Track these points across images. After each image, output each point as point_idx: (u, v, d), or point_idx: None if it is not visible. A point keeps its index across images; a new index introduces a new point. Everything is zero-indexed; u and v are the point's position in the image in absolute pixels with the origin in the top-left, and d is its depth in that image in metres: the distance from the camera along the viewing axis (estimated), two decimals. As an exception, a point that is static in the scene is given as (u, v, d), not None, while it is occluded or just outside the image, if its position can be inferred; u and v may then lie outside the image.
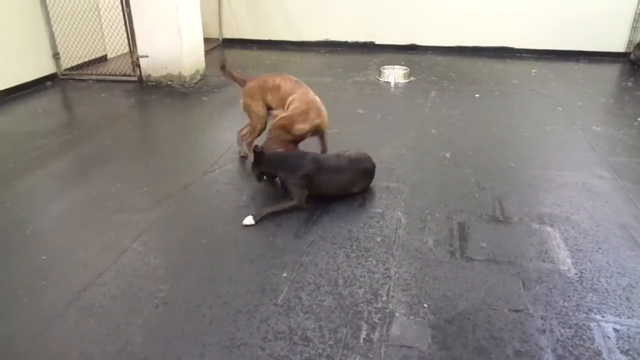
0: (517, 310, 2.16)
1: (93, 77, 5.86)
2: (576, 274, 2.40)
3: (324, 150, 3.52)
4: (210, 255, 2.55)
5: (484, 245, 2.62)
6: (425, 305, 2.19)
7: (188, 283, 2.33)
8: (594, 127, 4.29)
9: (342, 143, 3.93)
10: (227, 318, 2.11)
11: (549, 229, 2.77)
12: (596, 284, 2.32)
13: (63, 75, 5.82)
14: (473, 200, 3.08)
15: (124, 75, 5.79)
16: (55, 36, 5.63)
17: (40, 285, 2.33)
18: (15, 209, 3.02)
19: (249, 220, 2.81)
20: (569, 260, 2.49)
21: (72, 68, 5.94)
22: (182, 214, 2.95)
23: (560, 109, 4.82)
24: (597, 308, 2.17)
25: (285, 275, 2.38)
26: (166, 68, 5.55)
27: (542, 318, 2.11)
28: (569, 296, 2.25)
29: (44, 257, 2.53)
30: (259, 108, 3.51)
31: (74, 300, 2.21)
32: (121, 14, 5.46)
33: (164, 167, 3.60)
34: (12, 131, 4.25)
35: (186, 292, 2.26)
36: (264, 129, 3.55)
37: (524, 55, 7.09)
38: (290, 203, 2.93)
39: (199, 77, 5.81)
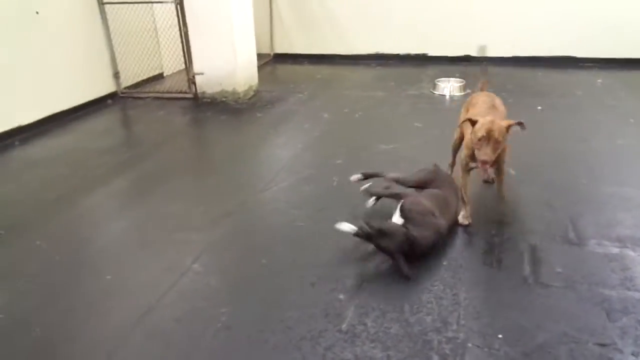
0: (603, 345, 1.98)
1: (151, 94, 6.02)
2: (667, 304, 2.19)
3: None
4: (270, 277, 2.50)
5: (559, 270, 2.44)
6: (500, 336, 2.04)
7: (249, 306, 2.28)
8: (671, 141, 4.00)
9: (400, 159, 3.83)
10: (290, 345, 2.04)
11: (631, 253, 2.56)
12: (692, 317, 2.11)
13: (123, 93, 6.01)
14: (544, 221, 2.90)
15: (180, 92, 5.91)
16: (116, 55, 5.83)
17: (105, 307, 2.34)
18: (79, 228, 3.09)
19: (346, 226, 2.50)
20: (657, 289, 2.28)
21: (131, 86, 6.13)
22: (240, 233, 2.93)
23: (632, 120, 4.52)
24: (695, 345, 1.96)
25: (348, 300, 2.29)
26: (220, 84, 5.62)
27: (633, 354, 1.92)
28: (661, 330, 2.05)
29: (108, 277, 2.56)
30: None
31: (138, 323, 2.21)
32: (177, 32, 5.60)
33: (220, 185, 3.61)
34: (75, 149, 4.39)
35: (248, 316, 2.22)
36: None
37: (587, 64, 6.75)
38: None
39: (252, 93, 5.86)
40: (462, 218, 2.89)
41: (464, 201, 2.91)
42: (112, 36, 5.73)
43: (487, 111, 2.94)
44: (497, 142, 2.61)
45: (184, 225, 3.04)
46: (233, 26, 5.33)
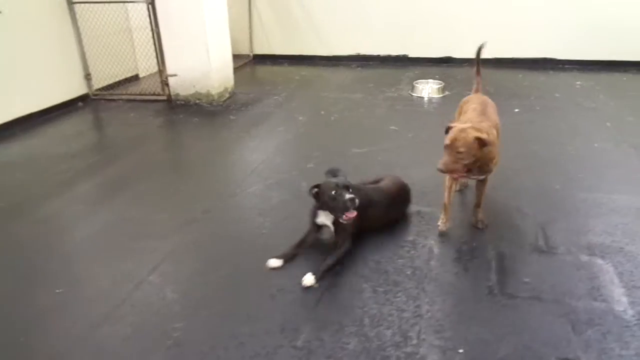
0: (566, 359, 1.91)
1: (123, 96, 5.88)
2: (634, 315, 2.12)
3: None
4: (229, 289, 2.40)
5: (526, 280, 2.37)
6: (461, 351, 1.97)
7: (204, 321, 2.18)
8: (646, 144, 3.96)
9: (373, 163, 3.75)
10: (242, 362, 1.94)
11: (600, 261, 2.50)
12: (658, 329, 2.05)
13: (94, 95, 5.86)
14: (514, 228, 2.83)
15: (154, 94, 5.78)
16: (87, 57, 5.68)
17: (53, 320, 2.23)
18: (33, 237, 2.96)
19: (309, 280, 2.38)
20: (624, 300, 2.22)
21: (103, 88, 5.99)
22: (202, 242, 2.82)
23: (609, 124, 4.48)
24: (661, 359, 1.90)
25: (307, 313, 2.20)
26: (194, 86, 5.51)
27: (596, 370, 1.86)
28: (626, 342, 1.98)
29: (58, 290, 2.43)
30: None
31: (85, 338, 2.10)
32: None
33: (187, 191, 3.50)
34: (40, 154, 4.25)
35: (201, 332, 2.12)
36: None
37: (567, 66, 6.73)
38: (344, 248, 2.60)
39: (227, 95, 5.74)
40: (440, 224, 2.82)
41: (445, 207, 2.82)
42: (82, 37, 5.59)
43: (477, 118, 2.84)
44: (459, 153, 2.51)
45: (146, 233, 2.93)
46: (206, 27, 5.21)
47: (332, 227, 2.61)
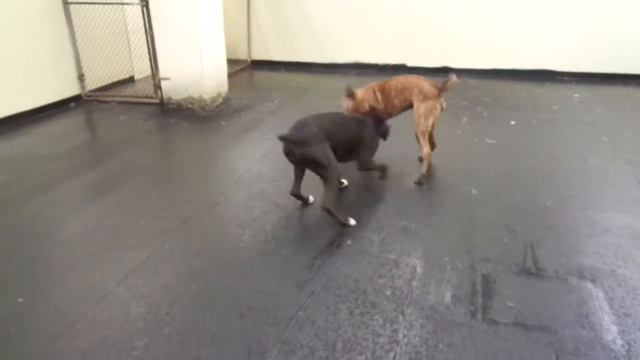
0: (547, 394, 1.79)
1: (116, 98, 5.79)
2: (623, 346, 2.00)
3: None
4: (197, 306, 2.28)
5: (511, 304, 2.25)
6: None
7: (166, 339, 2.07)
8: (644, 161, 3.84)
9: (358, 172, 3.64)
10: (202, 387, 1.83)
11: (589, 285, 2.38)
12: (648, 362, 1.92)
13: (87, 96, 5.78)
14: (501, 247, 2.71)
15: (146, 97, 5.70)
16: (81, 57, 5.61)
17: (8, 333, 2.12)
18: (8, 240, 2.86)
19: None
20: (614, 328, 2.10)
21: (97, 89, 5.91)
22: (176, 254, 2.71)
23: (605, 139, 4.36)
24: (649, 396, 1.78)
25: (276, 334, 2.08)
26: (187, 90, 5.42)
27: (578, 407, 1.74)
28: (613, 376, 1.86)
29: (20, 300, 2.33)
30: None
31: (37, 353, 1.99)
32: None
33: (168, 198, 3.39)
34: (24, 154, 4.16)
35: (162, 352, 2.00)
36: None
37: (566, 78, 6.62)
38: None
39: (220, 100, 5.65)
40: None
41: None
42: (77, 37, 5.51)
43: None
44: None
45: (120, 242, 2.83)
46: (199, 32, 5.12)
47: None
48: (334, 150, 2.93)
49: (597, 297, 2.30)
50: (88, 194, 3.46)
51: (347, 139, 3.10)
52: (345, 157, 3.15)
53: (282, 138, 2.86)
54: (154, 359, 1.96)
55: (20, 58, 4.89)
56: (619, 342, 2.02)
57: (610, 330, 2.09)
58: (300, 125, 2.92)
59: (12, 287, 2.43)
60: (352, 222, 2.92)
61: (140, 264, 2.60)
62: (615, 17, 6.28)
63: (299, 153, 2.86)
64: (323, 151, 2.85)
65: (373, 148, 3.34)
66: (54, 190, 3.49)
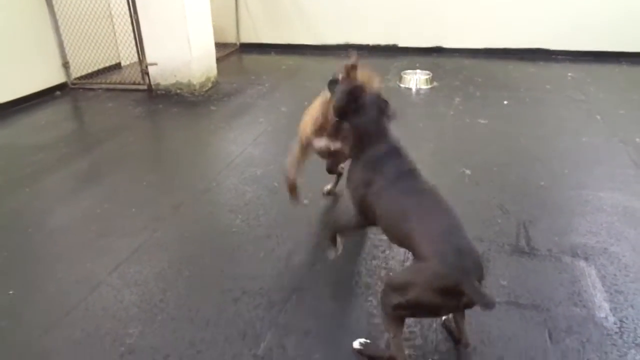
0: (541, 371, 1.80)
1: (103, 86, 5.70)
2: (615, 323, 2.01)
3: None
4: (191, 292, 2.27)
5: (504, 283, 2.26)
6: (436, 358, 1.85)
7: (160, 326, 2.05)
8: (637, 139, 3.83)
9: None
10: (197, 373, 1.82)
11: (582, 263, 2.38)
12: (640, 338, 1.94)
13: (73, 84, 5.68)
14: (494, 227, 2.71)
15: (134, 83, 5.60)
16: (65, 44, 5.50)
17: (0, 327, 2.09)
18: (-5, 232, 2.83)
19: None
20: (606, 305, 2.11)
21: (83, 77, 5.80)
22: (168, 241, 2.68)
23: (599, 117, 4.36)
24: (641, 371, 1.79)
25: (271, 318, 2.08)
26: (175, 76, 5.34)
27: (572, 383, 1.75)
28: (606, 353, 1.87)
29: (11, 292, 2.31)
30: None
31: (29, 344, 1.97)
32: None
33: (158, 185, 3.36)
34: (9, 145, 4.09)
35: (157, 338, 1.99)
36: None
37: (559, 57, 6.58)
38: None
39: (209, 85, 5.58)
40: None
41: None
42: (59, 23, 5.39)
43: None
44: None
45: (111, 230, 2.80)
46: (186, 15, 5.03)
47: None
48: None
49: (590, 275, 2.30)
50: (76, 184, 3.42)
51: None
52: None
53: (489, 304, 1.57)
54: (148, 345, 1.95)
55: (0, 46, 4.78)
56: (611, 319, 2.03)
57: (603, 307, 2.10)
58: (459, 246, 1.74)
59: (2, 280, 2.40)
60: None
61: (132, 252, 2.57)
62: (607, -6, 6.24)
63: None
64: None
65: None
66: (41, 180, 3.44)
